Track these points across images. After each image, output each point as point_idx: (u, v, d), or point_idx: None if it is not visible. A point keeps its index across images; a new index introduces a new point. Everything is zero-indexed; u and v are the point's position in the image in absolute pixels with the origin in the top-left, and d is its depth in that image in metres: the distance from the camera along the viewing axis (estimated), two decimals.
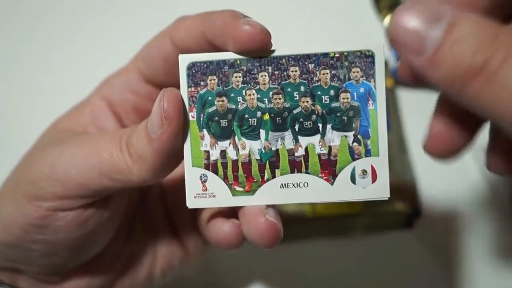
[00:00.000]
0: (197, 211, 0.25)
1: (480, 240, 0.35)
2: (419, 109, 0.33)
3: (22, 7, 0.45)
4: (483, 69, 0.15)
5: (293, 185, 0.21)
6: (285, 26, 0.44)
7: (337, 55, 0.21)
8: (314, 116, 0.21)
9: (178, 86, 0.22)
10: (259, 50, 0.21)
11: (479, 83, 0.15)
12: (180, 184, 0.28)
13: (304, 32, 0.44)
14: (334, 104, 0.21)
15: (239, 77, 0.21)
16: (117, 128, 0.26)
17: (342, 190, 0.21)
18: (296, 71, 0.21)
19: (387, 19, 0.43)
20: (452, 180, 0.36)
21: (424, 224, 0.35)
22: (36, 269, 0.25)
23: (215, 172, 0.21)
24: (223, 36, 0.21)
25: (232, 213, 0.23)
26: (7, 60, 0.43)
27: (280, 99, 0.21)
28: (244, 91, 0.21)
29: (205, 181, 0.21)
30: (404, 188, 0.35)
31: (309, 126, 0.21)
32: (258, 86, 0.21)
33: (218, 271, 0.35)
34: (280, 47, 0.21)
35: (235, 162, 0.21)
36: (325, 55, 0.21)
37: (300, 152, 0.21)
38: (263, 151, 0.21)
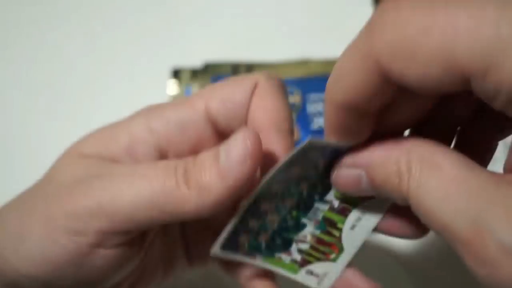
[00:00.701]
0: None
1: None
2: None
3: (28, 14, 0.45)
4: (405, 201, 0.18)
5: (356, 221, 0.23)
6: (285, 27, 0.44)
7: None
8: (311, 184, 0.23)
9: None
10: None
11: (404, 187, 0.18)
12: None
13: (304, 33, 0.44)
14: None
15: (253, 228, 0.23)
16: None
17: None
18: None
19: None
20: None
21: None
22: None
23: (310, 262, 0.23)
24: None
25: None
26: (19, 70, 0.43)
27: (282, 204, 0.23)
28: (264, 224, 0.23)
29: (312, 273, 0.23)
30: None
31: (320, 190, 0.23)
32: (267, 217, 0.23)
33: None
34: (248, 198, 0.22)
35: (313, 247, 0.23)
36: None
37: (335, 201, 0.23)
38: (317, 226, 0.23)
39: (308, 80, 0.40)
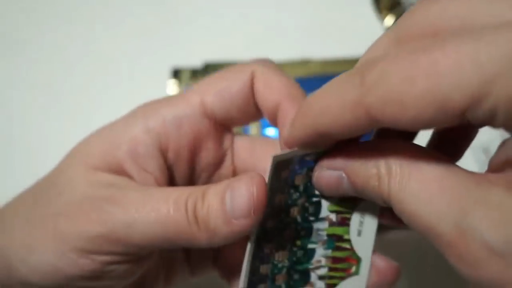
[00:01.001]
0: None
1: None
2: None
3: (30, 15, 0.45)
4: (386, 203, 0.18)
5: (359, 225, 0.23)
6: (284, 27, 0.44)
7: None
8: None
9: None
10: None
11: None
12: None
13: (304, 33, 0.44)
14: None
15: None
16: (160, 171, 0.24)
17: None
18: None
19: (387, 19, 0.43)
20: None
21: None
22: None
23: (336, 285, 0.23)
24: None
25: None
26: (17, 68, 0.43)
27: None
28: (275, 266, 0.23)
29: None
30: None
31: (312, 210, 0.22)
32: (274, 257, 0.23)
33: None
34: None
35: (331, 269, 0.23)
36: None
37: (332, 215, 0.22)
38: (326, 246, 0.23)
39: (308, 80, 0.40)
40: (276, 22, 0.44)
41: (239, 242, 0.22)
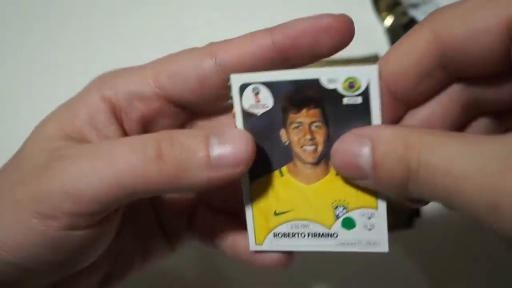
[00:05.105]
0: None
1: (479, 240, 0.35)
2: None
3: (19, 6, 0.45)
4: (410, 174, 0.18)
5: None
6: None
7: None
8: None
9: (205, 105, 0.24)
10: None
11: (413, 184, 0.18)
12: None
13: None
14: None
15: None
16: (119, 137, 0.24)
17: None
18: None
19: (387, 20, 0.43)
20: None
21: (424, 224, 0.35)
22: (30, 283, 0.23)
23: None
24: (309, 34, 0.23)
25: None
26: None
27: None
28: None
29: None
30: None
31: None
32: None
33: (219, 270, 0.35)
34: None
35: None
36: None
37: None
38: None
39: None
40: (276, 23, 0.44)
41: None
